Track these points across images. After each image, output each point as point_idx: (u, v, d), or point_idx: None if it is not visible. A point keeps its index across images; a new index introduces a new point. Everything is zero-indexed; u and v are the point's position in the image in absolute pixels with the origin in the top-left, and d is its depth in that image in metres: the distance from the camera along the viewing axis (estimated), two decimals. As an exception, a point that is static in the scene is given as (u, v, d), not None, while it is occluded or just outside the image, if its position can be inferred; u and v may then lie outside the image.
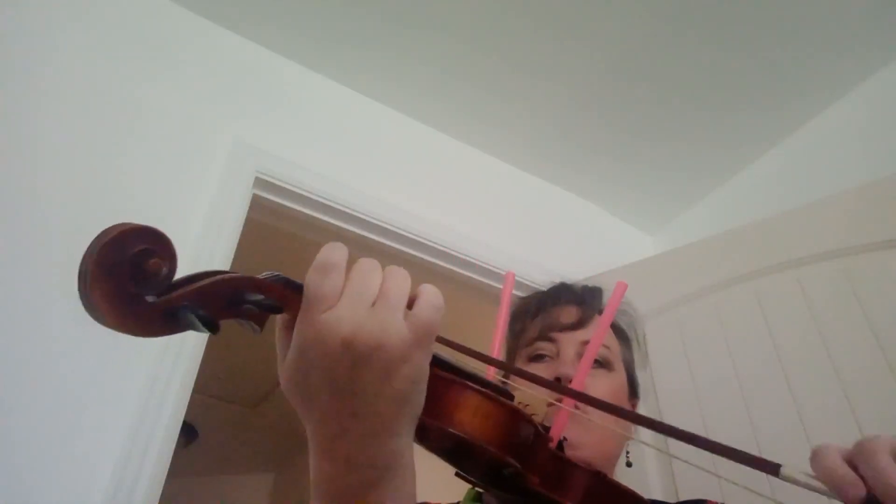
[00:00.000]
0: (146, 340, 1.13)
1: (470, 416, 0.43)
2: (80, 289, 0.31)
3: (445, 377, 0.44)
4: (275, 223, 1.63)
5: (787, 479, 0.37)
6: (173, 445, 1.16)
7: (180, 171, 1.42)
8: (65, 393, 1.09)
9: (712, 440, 0.40)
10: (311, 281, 0.37)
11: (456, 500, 0.73)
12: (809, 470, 0.38)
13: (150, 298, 0.33)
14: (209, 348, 1.29)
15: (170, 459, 1.14)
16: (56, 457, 1.04)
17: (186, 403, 1.21)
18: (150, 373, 1.16)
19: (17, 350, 1.07)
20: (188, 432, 3.29)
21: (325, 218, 1.58)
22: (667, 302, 1.57)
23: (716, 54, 1.60)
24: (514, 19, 1.58)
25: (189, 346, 1.22)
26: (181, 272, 0.36)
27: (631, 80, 1.71)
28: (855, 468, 0.36)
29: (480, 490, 0.71)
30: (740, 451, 0.39)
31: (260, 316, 0.37)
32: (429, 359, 0.40)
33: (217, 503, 3.77)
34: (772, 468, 0.38)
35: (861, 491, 0.35)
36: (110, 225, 0.31)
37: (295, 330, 0.38)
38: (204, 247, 1.33)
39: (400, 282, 0.39)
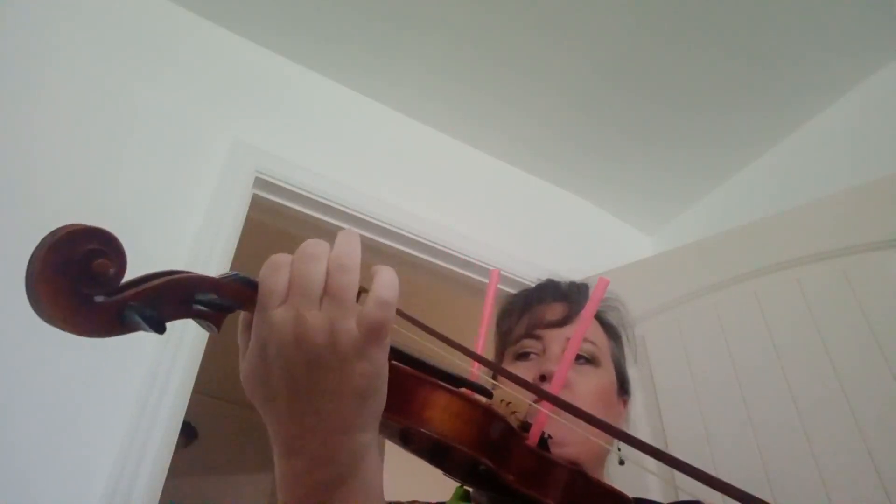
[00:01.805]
0: (144, 338, 1.13)
1: (439, 415, 0.43)
2: (27, 288, 0.31)
3: (414, 375, 0.43)
4: (275, 223, 1.63)
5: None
6: (173, 445, 1.16)
7: (180, 171, 1.42)
8: (62, 392, 1.08)
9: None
10: (263, 277, 0.37)
11: (445, 500, 0.73)
12: None
13: (98, 299, 0.33)
14: (209, 348, 1.29)
15: (169, 459, 1.14)
16: (53, 457, 1.04)
17: (186, 403, 1.21)
18: (148, 371, 1.16)
19: (13, 350, 1.07)
20: (188, 432, 3.28)
21: (325, 218, 1.58)
22: (666, 302, 1.57)
23: (714, 55, 1.61)
24: (513, 19, 1.58)
25: (188, 344, 1.22)
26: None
27: (629, 81, 1.71)
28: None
29: (468, 489, 0.70)
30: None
31: (215, 316, 0.37)
32: (386, 353, 0.39)
33: (217, 503, 3.76)
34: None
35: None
36: (60, 226, 0.32)
37: (252, 328, 0.38)
38: (203, 247, 1.33)
39: (346, 275, 0.37)
